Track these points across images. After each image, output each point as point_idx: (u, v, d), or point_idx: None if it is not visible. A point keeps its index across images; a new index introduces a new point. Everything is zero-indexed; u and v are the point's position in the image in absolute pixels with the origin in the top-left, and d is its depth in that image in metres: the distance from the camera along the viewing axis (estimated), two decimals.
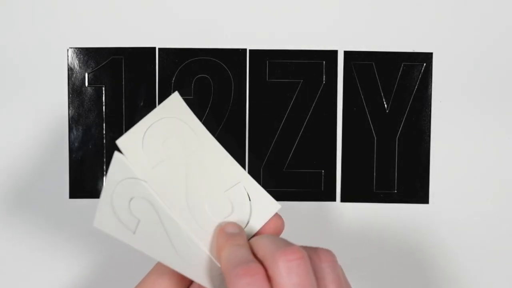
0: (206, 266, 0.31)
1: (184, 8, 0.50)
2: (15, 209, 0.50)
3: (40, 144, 0.49)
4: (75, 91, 0.49)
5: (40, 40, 0.49)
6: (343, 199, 0.50)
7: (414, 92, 0.50)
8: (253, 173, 0.49)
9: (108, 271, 0.50)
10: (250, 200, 0.32)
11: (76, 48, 0.49)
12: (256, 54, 0.50)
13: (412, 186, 0.50)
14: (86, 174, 0.49)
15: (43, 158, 0.49)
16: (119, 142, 0.30)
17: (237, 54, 0.50)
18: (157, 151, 0.31)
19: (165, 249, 0.30)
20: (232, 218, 0.32)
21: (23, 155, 0.49)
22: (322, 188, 0.50)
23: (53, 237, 0.50)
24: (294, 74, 0.50)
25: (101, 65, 0.49)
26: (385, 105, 0.50)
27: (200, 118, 0.33)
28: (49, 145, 0.49)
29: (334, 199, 0.50)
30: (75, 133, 0.49)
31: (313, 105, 0.50)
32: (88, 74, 0.49)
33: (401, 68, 0.50)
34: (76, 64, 0.49)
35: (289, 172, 0.50)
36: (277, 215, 0.33)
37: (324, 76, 0.50)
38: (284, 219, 0.33)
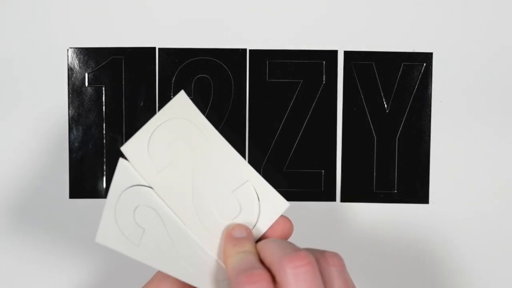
0: (213, 271, 0.30)
1: (184, 8, 0.50)
2: (15, 209, 0.50)
3: (40, 144, 0.49)
4: (75, 91, 0.49)
5: (40, 40, 0.49)
6: (343, 199, 0.50)
7: (414, 92, 0.50)
8: None
9: (109, 272, 0.50)
10: (259, 200, 0.32)
11: (76, 48, 0.49)
12: (256, 54, 0.50)
13: (412, 186, 0.50)
14: (86, 174, 0.49)
15: (43, 158, 0.49)
16: (124, 148, 0.30)
17: (237, 54, 0.50)
18: (163, 154, 0.30)
19: (170, 259, 0.30)
20: (240, 219, 0.32)
21: (23, 155, 0.49)
22: (322, 188, 0.50)
23: (53, 237, 0.50)
24: (294, 74, 0.50)
25: (101, 65, 0.49)
26: (385, 105, 0.50)
27: None
28: (49, 145, 0.49)
29: (334, 199, 0.50)
30: (75, 133, 0.49)
31: (313, 105, 0.50)
32: (88, 74, 0.49)
33: (401, 68, 0.50)
34: (76, 64, 0.49)
35: (289, 172, 0.50)
36: (285, 218, 0.32)
37: (324, 76, 0.50)
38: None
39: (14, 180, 0.49)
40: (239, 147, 0.50)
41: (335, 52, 0.50)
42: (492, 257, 0.50)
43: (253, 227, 0.32)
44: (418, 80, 0.50)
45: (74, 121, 0.49)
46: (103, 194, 0.49)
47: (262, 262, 0.29)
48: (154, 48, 0.50)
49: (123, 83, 0.49)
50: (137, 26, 0.49)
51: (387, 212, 0.50)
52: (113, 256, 0.50)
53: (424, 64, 0.50)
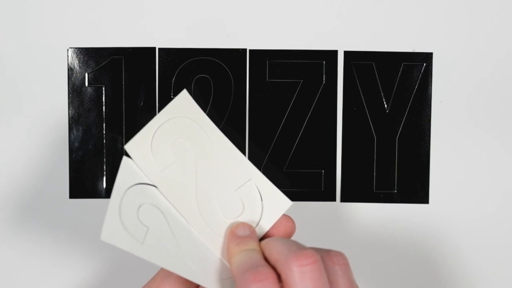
0: (217, 270, 0.31)
1: (184, 8, 0.50)
2: (15, 209, 0.50)
3: (40, 144, 0.49)
4: (75, 91, 0.49)
5: (40, 40, 0.49)
6: (343, 199, 0.50)
7: (414, 92, 0.50)
8: None
9: (109, 272, 0.50)
10: (262, 199, 0.32)
11: (76, 48, 0.49)
12: (256, 54, 0.50)
13: (412, 186, 0.50)
14: (86, 174, 0.49)
15: (43, 158, 0.49)
16: (127, 147, 0.30)
17: (237, 54, 0.50)
18: (167, 153, 0.31)
19: (174, 257, 0.30)
20: (243, 217, 0.32)
21: (23, 155, 0.49)
22: (322, 188, 0.50)
23: (53, 237, 0.50)
24: (294, 74, 0.50)
25: (101, 65, 0.49)
26: (385, 105, 0.50)
27: None
28: (49, 145, 0.49)
29: (334, 199, 0.50)
30: (75, 133, 0.49)
31: (313, 105, 0.50)
32: (88, 74, 0.49)
33: (401, 68, 0.50)
34: (76, 64, 0.49)
35: (289, 172, 0.50)
36: (288, 217, 0.33)
37: (324, 76, 0.50)
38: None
39: (14, 180, 0.49)
40: (239, 147, 0.50)
41: (335, 52, 0.50)
42: (492, 257, 0.50)
43: (256, 226, 0.32)
44: (418, 80, 0.50)
45: (74, 121, 0.49)
46: (103, 194, 0.49)
47: (266, 260, 0.29)
48: (154, 48, 0.50)
49: (123, 83, 0.49)
50: (137, 26, 0.49)
51: (387, 212, 0.50)
52: (113, 256, 0.50)
53: (424, 64, 0.50)
